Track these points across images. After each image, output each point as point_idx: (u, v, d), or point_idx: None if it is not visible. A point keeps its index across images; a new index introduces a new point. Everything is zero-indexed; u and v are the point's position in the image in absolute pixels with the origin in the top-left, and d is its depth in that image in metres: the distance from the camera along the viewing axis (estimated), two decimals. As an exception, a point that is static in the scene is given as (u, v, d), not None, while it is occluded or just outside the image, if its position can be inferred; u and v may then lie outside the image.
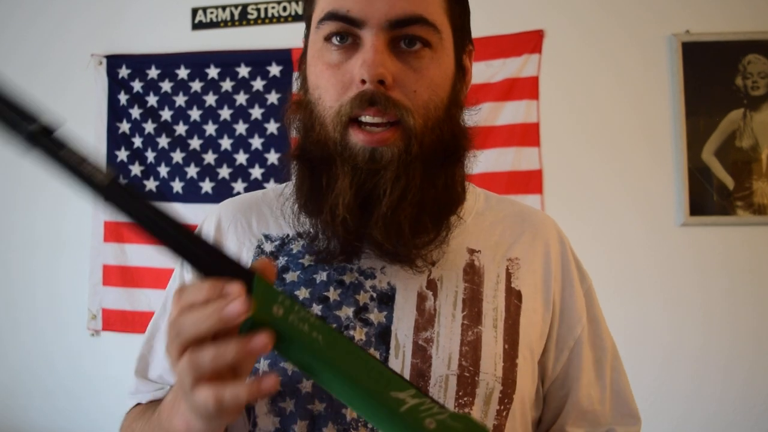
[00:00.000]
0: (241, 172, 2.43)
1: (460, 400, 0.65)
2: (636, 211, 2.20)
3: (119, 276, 2.44)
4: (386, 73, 0.61)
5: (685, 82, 2.17)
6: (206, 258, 0.47)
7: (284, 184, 0.81)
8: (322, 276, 0.70)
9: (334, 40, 0.64)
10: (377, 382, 0.46)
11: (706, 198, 2.15)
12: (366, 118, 0.62)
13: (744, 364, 2.12)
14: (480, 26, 2.27)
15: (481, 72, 2.27)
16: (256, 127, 2.43)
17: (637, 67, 2.23)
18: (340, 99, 0.64)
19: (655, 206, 2.19)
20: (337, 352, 0.47)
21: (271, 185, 2.37)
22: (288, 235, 0.74)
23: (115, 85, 2.50)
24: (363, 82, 0.62)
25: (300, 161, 0.68)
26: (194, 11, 2.49)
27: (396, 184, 0.63)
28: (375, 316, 0.67)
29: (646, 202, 2.20)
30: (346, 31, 0.63)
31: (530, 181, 2.25)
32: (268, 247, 0.74)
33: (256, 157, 2.42)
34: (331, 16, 0.64)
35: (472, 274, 0.71)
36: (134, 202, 0.46)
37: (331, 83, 0.64)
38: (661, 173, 2.20)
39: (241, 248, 0.75)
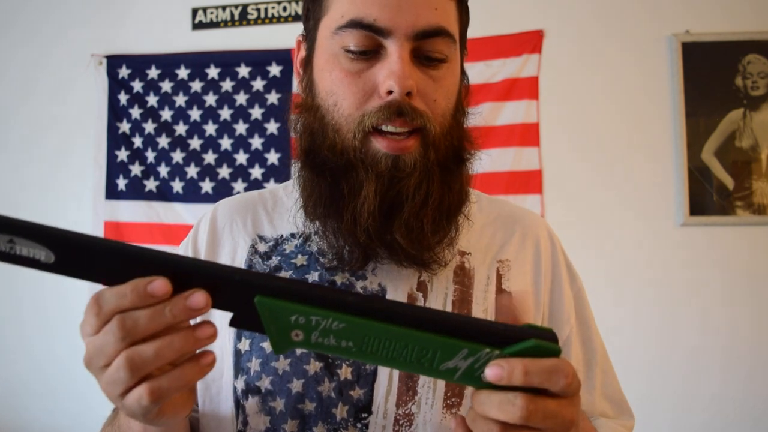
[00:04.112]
0: (241, 172, 2.43)
1: (449, 401, 0.65)
2: (636, 211, 2.20)
3: (119, 275, 2.45)
4: (413, 85, 0.62)
5: (684, 82, 2.17)
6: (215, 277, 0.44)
7: (281, 185, 0.81)
8: (314, 276, 0.70)
9: (354, 49, 0.63)
10: (422, 362, 0.44)
11: (706, 198, 2.15)
12: (389, 128, 0.63)
13: (743, 363, 2.11)
14: (480, 26, 2.28)
15: (481, 72, 2.27)
16: (256, 127, 2.43)
17: (637, 67, 2.23)
18: (362, 108, 0.63)
19: (655, 206, 2.19)
20: (373, 351, 0.44)
21: (270, 185, 2.38)
22: (282, 236, 0.74)
23: (116, 85, 2.50)
24: (389, 92, 0.62)
25: (309, 168, 0.67)
26: (194, 11, 2.50)
27: (418, 190, 0.63)
28: None
29: (646, 202, 2.20)
30: (369, 41, 0.63)
31: (530, 181, 2.25)
32: (262, 247, 0.74)
33: (256, 157, 2.43)
34: (355, 24, 0.62)
35: (462, 276, 0.71)
36: (92, 258, 0.43)
37: (351, 91, 0.64)
38: (660, 173, 2.20)
39: (235, 248, 0.75)
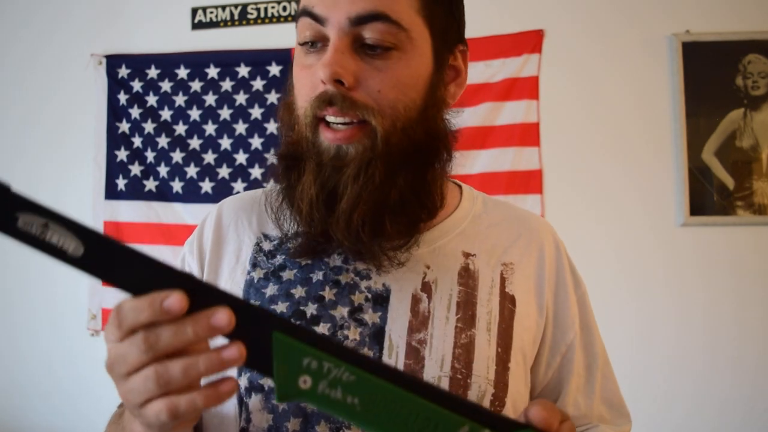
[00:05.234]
0: (241, 172, 2.43)
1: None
2: (636, 211, 2.20)
3: (119, 276, 2.44)
4: (343, 73, 0.62)
5: (685, 82, 2.17)
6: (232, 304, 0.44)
7: None
8: (318, 275, 0.70)
9: (307, 45, 0.66)
10: None
11: (707, 198, 2.15)
12: (330, 118, 0.64)
13: (748, 363, 2.11)
14: (480, 26, 2.28)
15: (481, 72, 2.27)
16: (255, 127, 2.43)
17: (637, 67, 2.23)
18: (308, 99, 0.65)
19: (656, 206, 2.19)
20: (377, 413, 0.44)
21: (271, 185, 2.38)
22: (287, 234, 0.74)
23: (115, 85, 2.50)
24: (323, 82, 0.63)
25: (281, 160, 0.70)
26: (194, 11, 2.49)
27: (355, 181, 0.63)
28: (369, 316, 0.67)
29: (647, 202, 2.20)
30: (313, 30, 0.65)
31: (530, 181, 2.25)
32: (267, 245, 0.74)
33: (256, 157, 2.43)
34: (301, 13, 0.66)
35: (467, 278, 0.71)
36: (118, 259, 0.43)
37: (303, 84, 0.66)
38: (661, 173, 2.20)
39: (240, 246, 0.75)
